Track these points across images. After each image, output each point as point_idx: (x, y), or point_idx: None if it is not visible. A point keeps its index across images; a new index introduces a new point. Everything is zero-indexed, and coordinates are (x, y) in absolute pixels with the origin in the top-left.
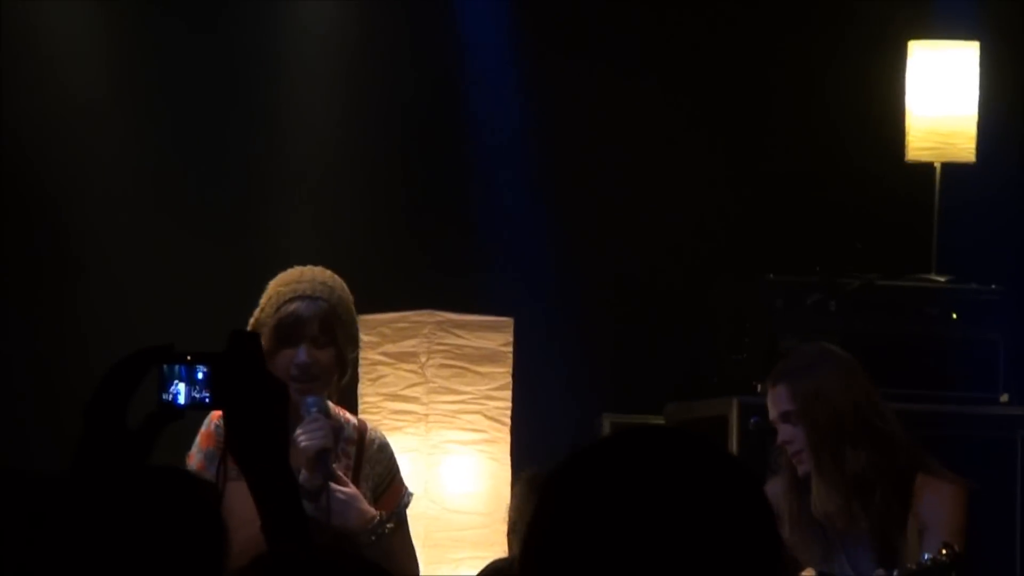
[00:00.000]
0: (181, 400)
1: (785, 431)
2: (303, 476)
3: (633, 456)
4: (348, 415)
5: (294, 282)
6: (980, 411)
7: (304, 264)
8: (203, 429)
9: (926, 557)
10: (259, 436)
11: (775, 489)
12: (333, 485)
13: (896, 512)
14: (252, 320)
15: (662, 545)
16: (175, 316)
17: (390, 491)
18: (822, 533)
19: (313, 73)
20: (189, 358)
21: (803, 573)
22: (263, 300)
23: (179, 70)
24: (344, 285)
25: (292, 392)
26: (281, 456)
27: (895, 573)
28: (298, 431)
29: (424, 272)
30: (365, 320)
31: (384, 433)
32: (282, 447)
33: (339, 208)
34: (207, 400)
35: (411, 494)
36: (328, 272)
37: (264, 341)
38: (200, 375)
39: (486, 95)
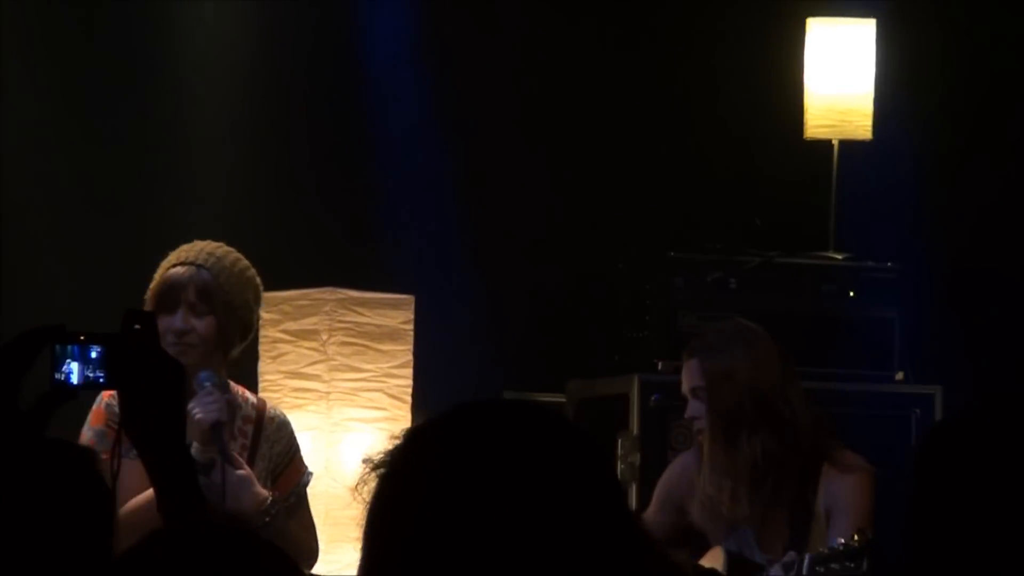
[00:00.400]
0: (74, 379)
1: (693, 406)
2: (196, 449)
3: (471, 430)
4: (248, 393)
5: (182, 251)
6: (876, 389)
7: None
8: (94, 407)
9: (837, 542)
10: (155, 416)
11: (687, 462)
12: (227, 466)
13: (792, 501)
14: (147, 294)
15: (503, 519)
16: (72, 296)
17: (289, 470)
18: None
19: (215, 48)
20: (83, 338)
21: (710, 551)
22: (157, 272)
23: (78, 44)
24: (239, 260)
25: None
26: (178, 436)
27: (807, 557)
28: (191, 404)
29: (325, 249)
30: (266, 297)
31: (285, 412)
32: (179, 427)
33: (240, 184)
34: (101, 380)
35: (311, 474)
36: (223, 247)
37: (147, 308)
38: (94, 354)
39: (390, 71)
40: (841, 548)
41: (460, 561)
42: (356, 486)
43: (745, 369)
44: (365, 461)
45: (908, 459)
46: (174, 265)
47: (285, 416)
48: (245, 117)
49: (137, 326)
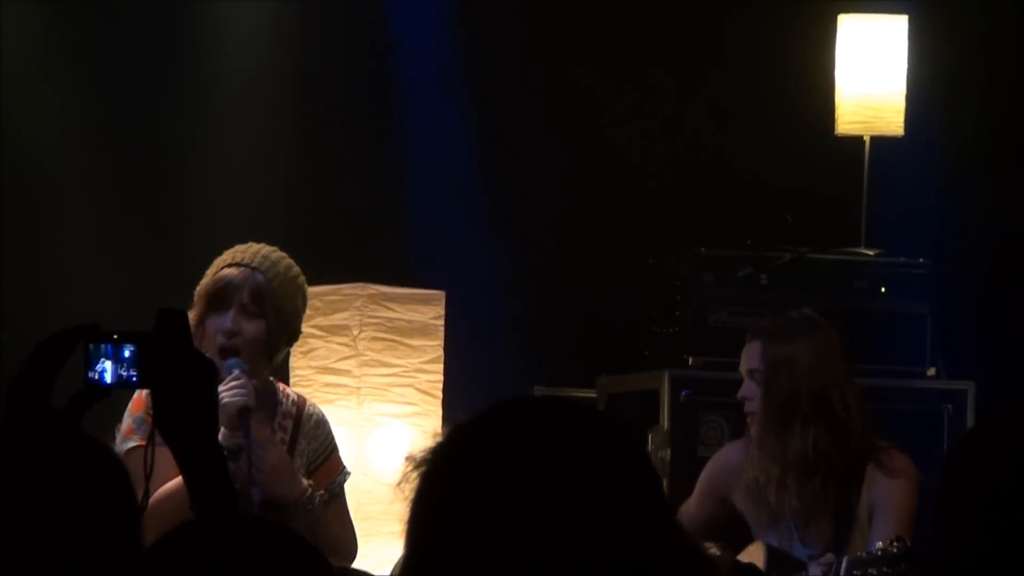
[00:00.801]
0: (107, 379)
1: (747, 387)
2: (223, 435)
3: (512, 427)
4: (288, 390)
5: (238, 251)
6: (907, 384)
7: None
8: (135, 395)
9: (876, 546)
10: (187, 414)
11: (732, 455)
12: (268, 447)
13: (836, 500)
14: (197, 291)
15: (545, 516)
16: (106, 296)
17: (326, 467)
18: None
19: (250, 46)
20: (116, 336)
21: (751, 545)
22: (209, 270)
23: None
24: (292, 266)
25: (216, 361)
26: (211, 434)
27: (845, 560)
28: (219, 388)
29: (357, 245)
30: None
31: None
32: (212, 425)
33: (273, 181)
34: (134, 379)
35: (348, 473)
36: (278, 251)
37: (198, 308)
38: (127, 353)
39: (422, 68)
40: (879, 553)
41: (502, 557)
42: (399, 483)
43: (806, 360)
44: (408, 459)
45: (939, 454)
46: (228, 265)
47: (323, 414)
48: (276, 114)
49: (170, 325)
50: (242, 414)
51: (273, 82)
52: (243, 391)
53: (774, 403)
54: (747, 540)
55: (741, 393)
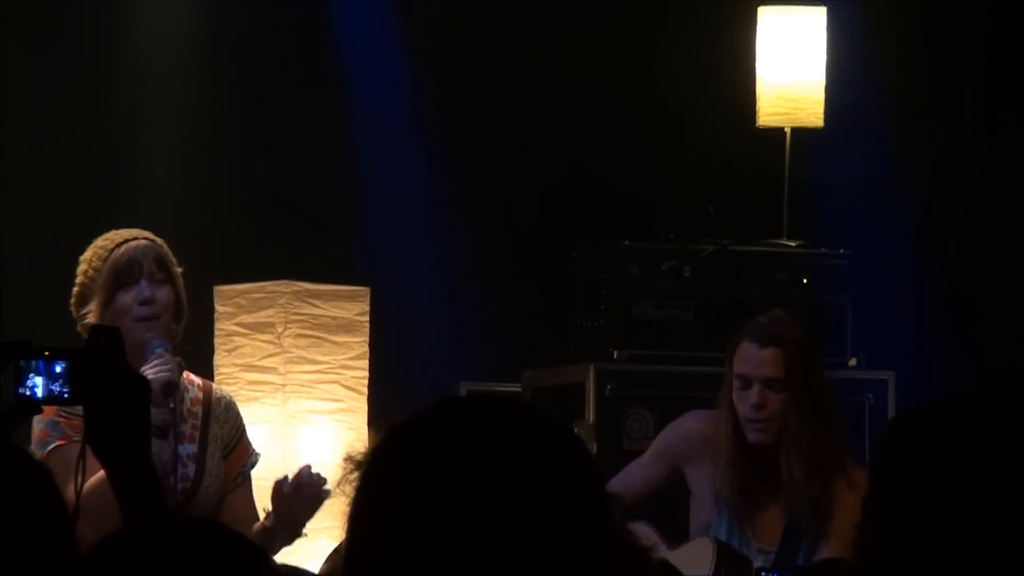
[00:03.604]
0: (39, 394)
1: (764, 395)
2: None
3: (450, 426)
4: (192, 376)
5: (116, 234)
6: (829, 375)
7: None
8: None
9: (822, 559)
10: (120, 430)
11: (692, 425)
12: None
13: (819, 504)
14: (76, 288)
15: (486, 511)
16: (29, 300)
17: (238, 450)
18: (746, 480)
19: (169, 39)
20: (47, 353)
21: (697, 540)
22: (85, 263)
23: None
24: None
25: (136, 333)
26: (143, 449)
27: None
28: (144, 368)
29: (280, 242)
30: (221, 291)
31: (241, 404)
32: (144, 440)
33: (194, 179)
34: (66, 395)
35: (258, 454)
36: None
37: (103, 290)
38: (58, 369)
39: (350, 57)
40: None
41: (443, 557)
42: (338, 484)
43: (818, 365)
44: (347, 459)
45: (861, 443)
46: (119, 244)
47: (231, 397)
48: (197, 106)
49: (102, 341)
50: (167, 389)
51: (192, 71)
52: (167, 367)
53: (804, 409)
54: (686, 511)
55: (757, 401)
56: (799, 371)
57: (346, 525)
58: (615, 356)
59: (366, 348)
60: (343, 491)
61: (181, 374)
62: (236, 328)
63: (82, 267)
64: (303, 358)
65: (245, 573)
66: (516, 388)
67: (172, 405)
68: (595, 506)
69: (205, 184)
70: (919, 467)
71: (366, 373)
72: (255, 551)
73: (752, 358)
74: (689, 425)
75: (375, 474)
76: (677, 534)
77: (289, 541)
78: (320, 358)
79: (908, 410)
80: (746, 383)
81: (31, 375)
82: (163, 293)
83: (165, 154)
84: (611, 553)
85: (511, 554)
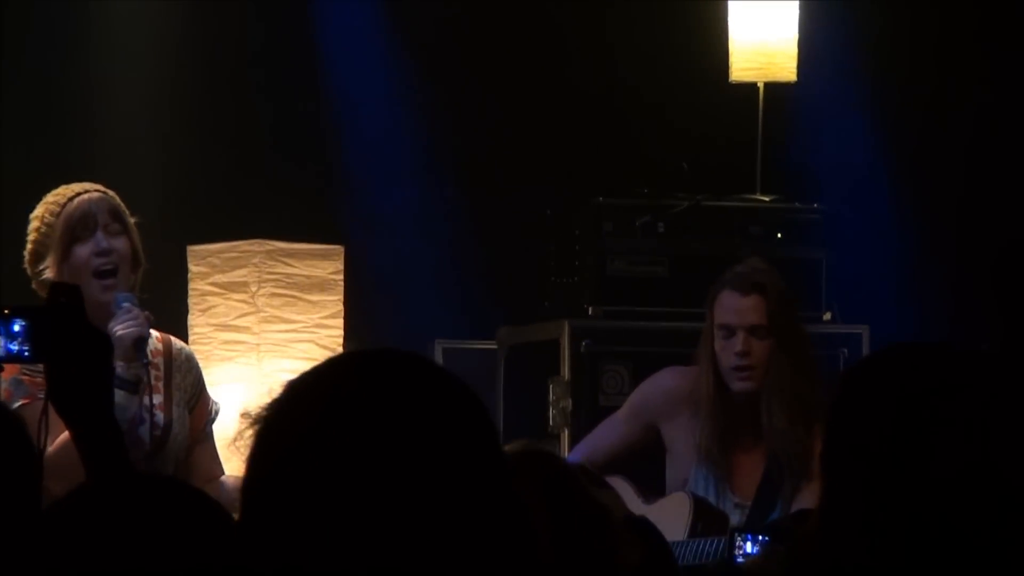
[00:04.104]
0: None
1: (748, 342)
2: (121, 367)
3: (346, 381)
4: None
5: (67, 188)
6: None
7: None
8: None
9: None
10: (82, 388)
11: (668, 382)
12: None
13: (801, 450)
14: (29, 245)
15: (380, 467)
16: None
17: (201, 401)
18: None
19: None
20: (7, 311)
21: (674, 495)
22: (37, 220)
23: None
24: None
25: (95, 292)
26: (106, 406)
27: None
28: (112, 324)
29: (254, 200)
30: (195, 250)
31: (216, 364)
32: (107, 397)
33: (169, 138)
34: (26, 353)
35: (218, 404)
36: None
37: (57, 249)
38: (16, 327)
39: (328, 21)
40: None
41: (336, 514)
42: (234, 441)
43: (799, 313)
44: (243, 415)
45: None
46: (71, 198)
47: (190, 349)
48: (170, 68)
49: (63, 299)
50: (138, 344)
51: (170, 39)
52: (136, 322)
53: (788, 354)
54: (662, 466)
55: (742, 349)
56: (781, 317)
57: (243, 480)
58: (590, 312)
59: (341, 307)
60: (239, 447)
61: (149, 328)
62: (210, 288)
63: (34, 224)
64: (277, 317)
65: (206, 530)
66: (491, 345)
67: (144, 360)
68: (487, 463)
69: (177, 143)
70: (868, 409)
71: (341, 332)
72: (216, 508)
73: (735, 306)
74: (665, 381)
75: (271, 430)
76: (654, 489)
77: None
78: (295, 317)
79: (857, 361)
80: (729, 332)
81: None
82: (120, 243)
83: (135, 112)
84: (504, 510)
85: (402, 508)
